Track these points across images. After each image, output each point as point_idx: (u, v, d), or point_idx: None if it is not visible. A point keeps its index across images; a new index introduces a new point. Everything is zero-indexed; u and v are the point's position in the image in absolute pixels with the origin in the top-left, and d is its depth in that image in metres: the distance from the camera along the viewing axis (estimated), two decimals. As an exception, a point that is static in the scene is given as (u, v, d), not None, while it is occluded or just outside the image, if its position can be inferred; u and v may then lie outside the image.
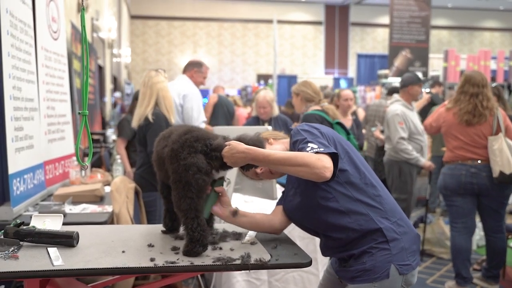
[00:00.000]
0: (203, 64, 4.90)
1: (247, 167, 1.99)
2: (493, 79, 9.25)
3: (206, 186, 1.95)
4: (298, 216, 2.12)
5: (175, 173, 1.93)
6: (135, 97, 5.23)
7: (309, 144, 1.91)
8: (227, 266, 1.82)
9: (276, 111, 5.11)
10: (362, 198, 1.98)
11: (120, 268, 1.76)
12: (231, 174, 3.21)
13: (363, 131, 6.82)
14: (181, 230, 2.13)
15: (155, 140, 2.18)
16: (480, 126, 4.16)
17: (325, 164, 1.84)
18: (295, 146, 2.00)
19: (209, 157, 1.94)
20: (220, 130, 3.86)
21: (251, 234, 2.17)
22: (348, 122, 5.72)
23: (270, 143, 2.20)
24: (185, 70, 4.89)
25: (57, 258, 1.81)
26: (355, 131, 5.64)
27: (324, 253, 2.18)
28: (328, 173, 1.84)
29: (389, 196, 2.09)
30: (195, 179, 1.90)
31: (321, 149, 1.88)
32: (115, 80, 12.49)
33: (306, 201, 2.04)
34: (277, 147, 2.17)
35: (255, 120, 5.15)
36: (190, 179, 1.89)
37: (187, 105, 4.53)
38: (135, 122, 3.78)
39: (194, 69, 4.82)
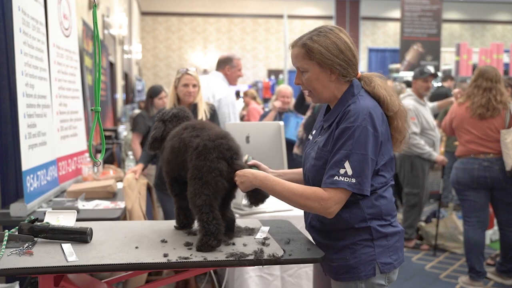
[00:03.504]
0: (233, 58, 4.75)
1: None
2: (506, 73, 9.17)
3: (224, 189, 1.97)
4: (304, 171, 2.09)
5: (197, 169, 1.93)
6: (149, 95, 5.28)
7: (346, 165, 1.79)
8: (240, 261, 1.82)
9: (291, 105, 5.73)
10: (365, 199, 1.90)
11: (134, 264, 1.77)
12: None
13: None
14: (195, 226, 2.14)
15: (180, 126, 2.18)
16: (492, 120, 4.14)
17: (329, 209, 1.82)
18: (338, 139, 1.84)
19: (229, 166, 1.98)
20: (232, 126, 3.86)
21: (264, 229, 2.17)
22: None
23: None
24: (218, 68, 4.77)
25: (71, 254, 1.82)
26: None
27: (307, 227, 2.13)
28: (331, 215, 1.85)
29: (390, 194, 1.99)
30: (215, 181, 1.92)
31: (352, 181, 1.78)
32: (126, 77, 12.52)
33: (312, 169, 1.96)
34: None
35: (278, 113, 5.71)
36: (211, 180, 1.92)
37: (224, 110, 4.41)
38: None
39: (227, 67, 4.68)
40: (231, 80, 4.71)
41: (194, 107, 3.89)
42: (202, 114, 3.85)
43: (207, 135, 1.98)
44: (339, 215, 1.88)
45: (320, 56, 1.88)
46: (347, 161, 1.79)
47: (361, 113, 1.83)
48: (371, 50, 19.90)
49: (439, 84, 8.85)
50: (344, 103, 1.92)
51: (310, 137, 2.14)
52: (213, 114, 3.98)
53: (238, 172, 1.94)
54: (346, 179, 1.78)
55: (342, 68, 1.91)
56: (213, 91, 4.45)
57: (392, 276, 1.97)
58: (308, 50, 1.90)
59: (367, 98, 1.92)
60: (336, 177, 1.79)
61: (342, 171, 1.79)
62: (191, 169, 1.96)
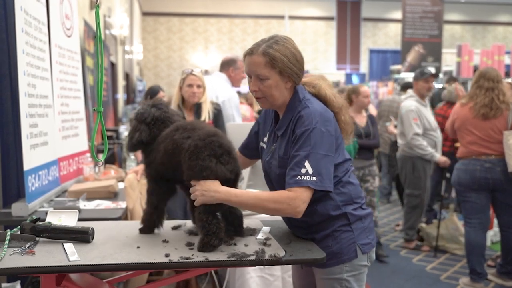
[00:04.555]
0: (237, 60, 4.71)
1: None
2: (507, 74, 9.16)
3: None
4: (268, 178, 2.14)
5: (191, 170, 1.93)
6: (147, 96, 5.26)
7: (306, 165, 1.88)
8: (242, 261, 1.83)
9: None
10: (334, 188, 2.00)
11: (135, 263, 1.77)
12: (245, 171, 3.20)
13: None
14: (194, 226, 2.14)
15: (170, 127, 2.15)
16: (495, 121, 4.14)
17: (297, 208, 1.88)
18: (296, 143, 1.93)
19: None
20: (233, 126, 3.86)
21: (265, 230, 2.18)
22: (362, 119, 5.23)
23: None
24: (222, 69, 4.73)
25: (73, 254, 1.82)
26: (370, 129, 5.19)
27: (289, 227, 2.22)
28: (299, 215, 1.91)
29: (355, 179, 2.13)
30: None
31: (313, 179, 1.87)
32: (127, 77, 12.53)
33: (280, 178, 2.02)
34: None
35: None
36: (205, 179, 1.92)
37: (228, 112, 4.38)
38: None
39: (231, 68, 4.65)
40: (235, 82, 4.70)
41: (198, 107, 3.89)
42: (206, 114, 3.85)
43: (198, 135, 1.98)
44: (315, 210, 2.00)
45: (282, 65, 1.96)
46: (306, 161, 1.89)
47: (314, 116, 1.94)
48: (372, 51, 19.91)
49: (440, 85, 8.85)
50: (294, 109, 2.02)
51: (263, 144, 2.19)
52: (218, 114, 3.98)
53: (201, 183, 1.92)
54: (308, 178, 1.88)
55: (297, 76, 2.02)
56: (217, 93, 4.44)
57: (372, 255, 2.13)
58: (271, 59, 1.96)
59: (314, 101, 2.03)
60: (299, 177, 1.88)
61: (303, 170, 1.88)
62: (186, 170, 1.96)
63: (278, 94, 2.01)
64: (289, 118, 2.02)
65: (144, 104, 2.26)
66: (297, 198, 1.87)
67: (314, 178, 1.87)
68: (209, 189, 1.90)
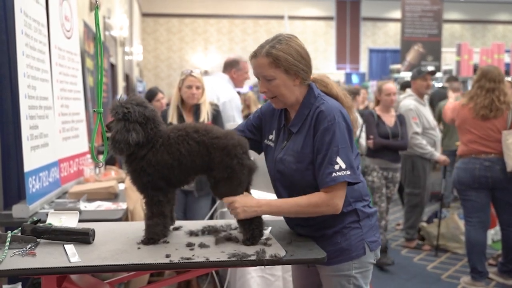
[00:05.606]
0: (239, 61, 4.70)
1: None
2: (507, 73, 9.17)
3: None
4: (280, 176, 2.09)
5: (231, 168, 1.96)
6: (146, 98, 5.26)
7: (338, 161, 1.91)
8: (242, 262, 1.83)
9: None
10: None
11: (136, 264, 1.77)
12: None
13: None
14: (194, 227, 2.13)
15: (180, 130, 2.04)
16: (495, 120, 4.14)
17: (336, 206, 1.94)
18: (322, 141, 1.93)
19: None
20: (232, 127, 3.85)
21: (265, 230, 2.18)
22: (391, 118, 5.02)
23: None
24: (225, 70, 4.72)
25: (73, 255, 1.82)
26: (398, 129, 4.95)
27: (291, 227, 2.22)
28: (339, 211, 1.97)
29: (362, 177, 2.14)
30: (248, 180, 2.04)
31: (348, 173, 1.91)
32: (127, 78, 12.53)
33: (297, 172, 2.02)
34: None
35: None
36: (244, 179, 1.99)
37: (229, 113, 4.39)
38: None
39: (233, 70, 4.66)
40: (238, 83, 4.69)
41: (197, 108, 3.89)
42: (205, 116, 3.85)
43: (225, 134, 2.02)
44: None
45: (286, 63, 1.97)
46: (338, 157, 1.92)
47: (334, 112, 1.96)
48: (371, 51, 19.92)
49: (440, 84, 8.86)
50: (310, 105, 2.03)
51: (270, 142, 2.17)
52: (217, 115, 3.98)
53: (239, 199, 1.97)
54: (343, 173, 1.91)
55: (304, 72, 2.02)
56: (218, 94, 4.43)
57: (378, 253, 2.16)
58: (274, 59, 1.97)
59: (329, 98, 2.06)
60: (334, 174, 1.91)
61: (337, 166, 1.91)
62: (222, 169, 1.97)
63: (287, 92, 2.02)
64: (305, 114, 2.03)
65: (123, 101, 2.04)
66: (334, 197, 1.93)
67: (348, 172, 1.92)
68: (250, 205, 1.96)
